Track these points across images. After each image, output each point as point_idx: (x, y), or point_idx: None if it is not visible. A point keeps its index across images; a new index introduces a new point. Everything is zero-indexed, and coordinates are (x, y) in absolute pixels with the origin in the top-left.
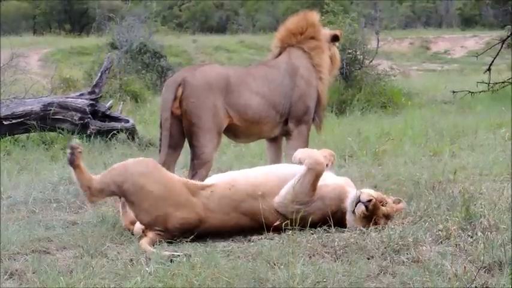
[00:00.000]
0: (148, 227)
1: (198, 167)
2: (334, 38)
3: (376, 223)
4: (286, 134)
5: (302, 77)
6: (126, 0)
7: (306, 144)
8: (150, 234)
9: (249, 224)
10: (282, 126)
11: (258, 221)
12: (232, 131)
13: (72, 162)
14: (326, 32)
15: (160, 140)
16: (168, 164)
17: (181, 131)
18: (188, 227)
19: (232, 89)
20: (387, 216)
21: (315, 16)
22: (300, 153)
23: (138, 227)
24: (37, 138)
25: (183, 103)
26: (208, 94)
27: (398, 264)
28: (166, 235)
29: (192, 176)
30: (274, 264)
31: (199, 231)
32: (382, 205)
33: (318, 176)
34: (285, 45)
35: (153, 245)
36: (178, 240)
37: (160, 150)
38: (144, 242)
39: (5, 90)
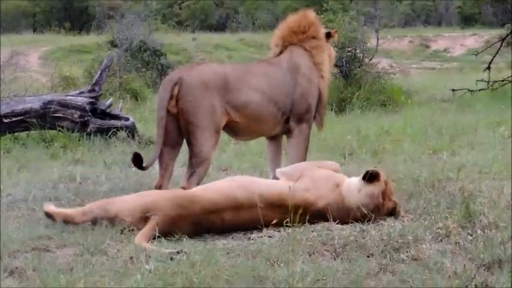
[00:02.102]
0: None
1: (196, 165)
2: (327, 36)
3: (377, 207)
4: (287, 132)
5: (304, 75)
6: None
7: (306, 143)
8: (146, 230)
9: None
10: (283, 124)
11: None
12: (232, 129)
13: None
14: (323, 31)
15: None
16: (167, 162)
17: (179, 129)
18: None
19: (231, 87)
20: (389, 209)
21: (314, 15)
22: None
23: None
24: (37, 136)
25: (180, 102)
26: (205, 93)
27: (398, 262)
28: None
29: (191, 175)
30: (274, 262)
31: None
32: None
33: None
34: (286, 44)
35: (149, 241)
36: (177, 237)
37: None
38: (143, 240)
39: (4, 88)
